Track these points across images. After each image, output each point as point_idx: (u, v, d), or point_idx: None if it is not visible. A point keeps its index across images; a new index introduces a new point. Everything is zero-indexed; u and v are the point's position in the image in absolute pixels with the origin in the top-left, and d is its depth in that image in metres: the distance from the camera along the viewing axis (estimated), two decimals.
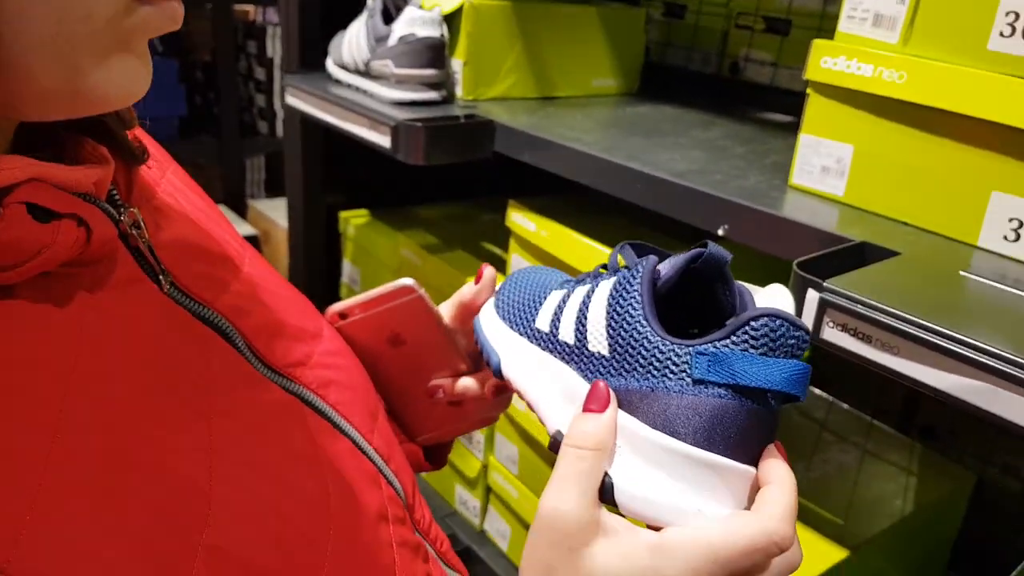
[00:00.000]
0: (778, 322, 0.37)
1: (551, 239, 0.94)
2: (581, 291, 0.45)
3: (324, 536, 0.41)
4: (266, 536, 0.38)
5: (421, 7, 0.96)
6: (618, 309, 0.41)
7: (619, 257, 0.46)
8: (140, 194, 0.45)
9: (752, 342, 0.37)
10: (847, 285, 0.53)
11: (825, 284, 0.54)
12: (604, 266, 0.47)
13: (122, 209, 0.41)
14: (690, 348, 0.38)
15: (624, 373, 0.40)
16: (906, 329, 0.49)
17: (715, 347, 0.37)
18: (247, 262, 0.51)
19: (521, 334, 0.48)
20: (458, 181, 1.39)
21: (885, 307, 0.51)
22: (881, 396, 1.11)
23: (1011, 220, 0.61)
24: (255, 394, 0.43)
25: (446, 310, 0.60)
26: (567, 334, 0.44)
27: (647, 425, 0.38)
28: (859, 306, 0.52)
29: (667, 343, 0.39)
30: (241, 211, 2.75)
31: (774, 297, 0.41)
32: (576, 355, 0.43)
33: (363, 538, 0.44)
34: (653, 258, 0.42)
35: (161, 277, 0.42)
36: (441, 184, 1.38)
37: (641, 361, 0.39)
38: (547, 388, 0.45)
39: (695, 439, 0.37)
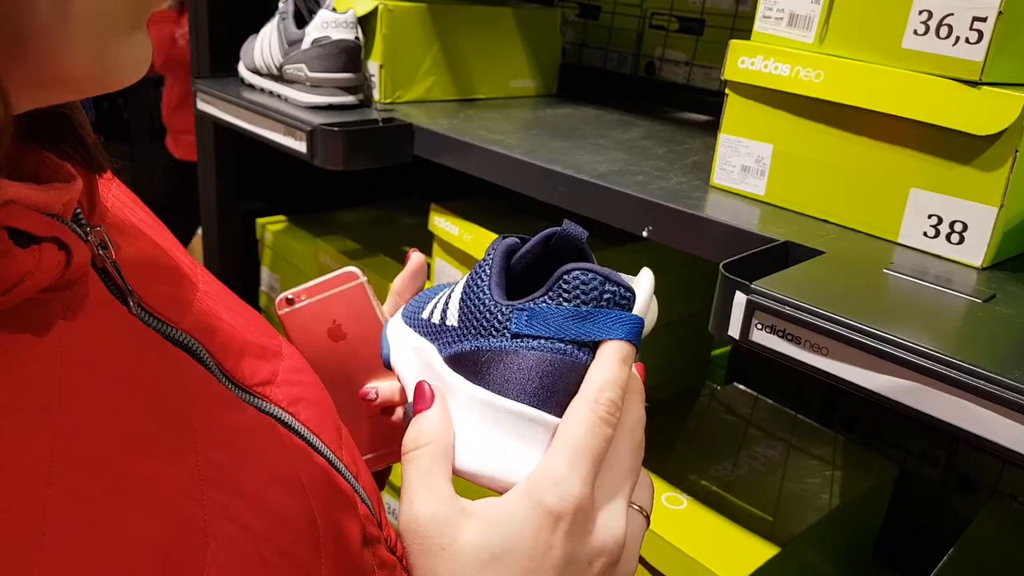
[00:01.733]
0: (589, 275, 0.38)
1: (474, 243, 0.92)
2: (460, 281, 0.46)
3: (317, 564, 0.39)
4: (266, 570, 0.36)
5: (335, 9, 0.93)
6: (472, 285, 0.43)
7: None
8: (100, 210, 0.42)
9: (565, 295, 0.38)
10: (774, 286, 0.53)
11: (752, 286, 0.53)
12: None
13: (88, 229, 0.38)
14: (511, 305, 0.39)
15: (466, 338, 0.41)
16: (834, 329, 0.49)
17: (533, 304, 0.39)
18: (200, 278, 0.48)
19: (410, 326, 0.49)
20: (379, 185, 1.36)
21: (813, 308, 0.50)
22: (803, 390, 1.13)
23: (930, 216, 0.62)
24: (232, 415, 0.41)
25: (385, 308, 0.58)
26: (436, 316, 0.46)
27: (477, 385, 0.40)
28: (787, 307, 0.51)
29: (497, 305, 0.40)
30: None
31: (639, 280, 0.43)
32: (438, 332, 0.45)
33: (352, 563, 0.42)
34: (510, 238, 0.44)
35: (129, 298, 0.39)
36: (361, 188, 1.35)
37: (476, 323, 0.41)
38: (413, 366, 0.46)
39: (517, 393, 0.39)
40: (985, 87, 0.58)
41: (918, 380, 0.47)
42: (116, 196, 0.48)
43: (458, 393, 0.41)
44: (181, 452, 0.36)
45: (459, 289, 0.44)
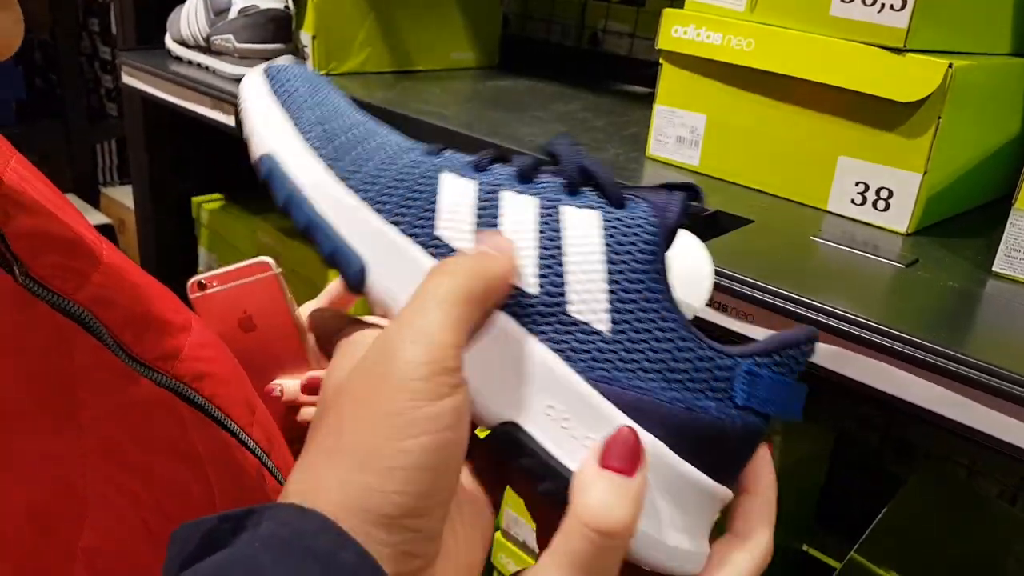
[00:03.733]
0: (811, 347, 0.31)
1: None
2: (525, 204, 0.31)
3: None
4: (144, 533, 0.37)
5: None
6: (628, 274, 0.30)
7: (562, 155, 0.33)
8: None
9: (791, 363, 0.31)
10: None
11: None
12: (544, 159, 0.34)
13: None
14: (736, 361, 0.30)
15: (633, 370, 0.29)
16: (759, 297, 0.49)
17: (758, 366, 0.30)
18: (105, 252, 0.47)
19: (408, 235, 0.31)
20: None
21: (739, 276, 0.50)
22: None
23: (858, 184, 0.63)
24: (125, 389, 0.40)
25: (311, 308, 0.57)
26: (529, 274, 0.30)
27: (675, 454, 0.29)
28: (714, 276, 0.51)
29: (705, 348, 0.30)
30: (93, 200, 2.58)
31: (694, 256, 0.35)
32: (537, 312, 0.30)
33: None
34: (679, 196, 0.32)
35: (15, 267, 0.38)
36: None
37: (668, 362, 0.29)
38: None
39: (717, 472, 0.30)
40: (909, 54, 0.58)
41: (841, 345, 0.47)
42: (15, 170, 0.46)
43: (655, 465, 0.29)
44: (61, 425, 0.36)
45: (586, 254, 0.30)
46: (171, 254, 1.27)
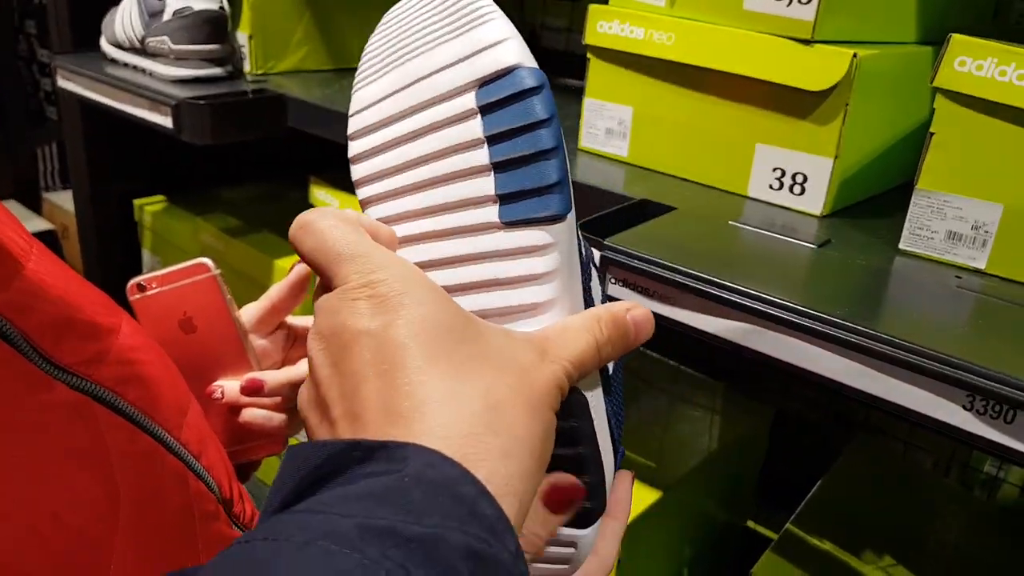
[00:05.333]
0: None
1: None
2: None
3: (110, 538, 0.39)
4: (37, 542, 0.36)
5: None
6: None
7: None
8: None
9: None
10: (625, 242, 0.55)
11: (605, 242, 0.55)
12: None
13: None
14: None
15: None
16: (677, 279, 0.52)
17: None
18: (33, 258, 0.47)
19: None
20: (264, 160, 1.33)
21: (659, 260, 0.53)
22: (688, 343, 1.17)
23: (775, 170, 0.66)
24: (34, 395, 0.41)
25: (253, 310, 0.58)
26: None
27: None
28: (636, 261, 0.54)
29: None
30: (35, 205, 2.53)
31: None
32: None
33: (162, 536, 0.42)
34: None
35: None
36: (245, 164, 1.32)
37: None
38: None
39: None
40: (817, 44, 0.61)
41: (752, 322, 0.50)
42: None
43: None
44: None
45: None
46: (114, 258, 1.26)
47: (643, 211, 0.64)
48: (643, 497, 0.83)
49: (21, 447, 0.39)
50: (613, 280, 0.56)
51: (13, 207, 2.39)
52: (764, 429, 1.02)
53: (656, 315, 0.54)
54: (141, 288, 0.57)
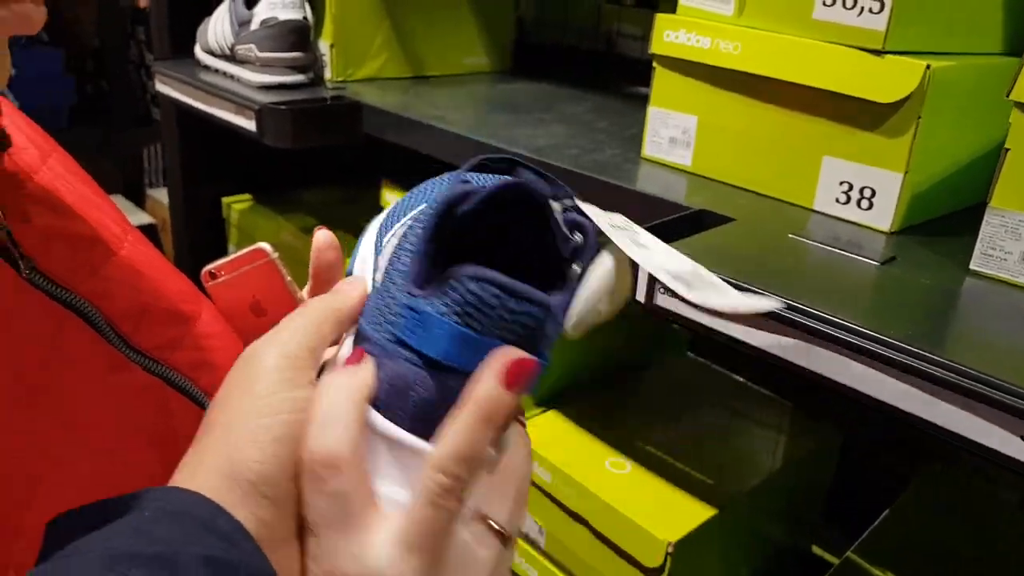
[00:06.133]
0: (485, 288, 0.30)
1: None
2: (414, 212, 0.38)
3: None
4: None
5: None
6: (404, 241, 0.35)
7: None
8: (4, 182, 0.45)
9: (455, 305, 0.30)
10: None
11: None
12: None
13: None
14: (408, 301, 0.31)
15: (369, 313, 0.34)
16: None
17: (426, 303, 0.30)
18: (126, 247, 0.51)
19: (373, 246, 0.40)
20: (343, 163, 1.37)
21: (711, 271, 0.52)
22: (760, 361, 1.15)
23: (842, 183, 0.64)
24: (112, 375, 0.44)
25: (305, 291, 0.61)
26: (382, 253, 0.37)
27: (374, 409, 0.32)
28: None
29: (399, 290, 0.31)
30: (139, 200, 2.67)
31: (593, 269, 0.34)
32: (373, 272, 0.37)
33: None
34: (462, 181, 0.35)
35: (20, 262, 0.42)
36: (327, 167, 1.37)
37: (379, 302, 0.33)
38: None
39: (391, 414, 0.32)
40: (888, 55, 0.59)
41: (799, 337, 0.49)
42: (52, 168, 0.51)
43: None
44: (32, 403, 0.39)
45: (399, 233, 0.36)
46: (203, 252, 1.32)
47: (700, 222, 0.63)
48: (698, 513, 0.82)
49: (95, 422, 0.42)
50: (662, 290, 0.55)
51: (119, 201, 2.53)
52: (832, 453, 0.99)
53: (704, 327, 0.53)
54: (213, 276, 0.60)
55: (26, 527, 0.36)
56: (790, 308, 0.49)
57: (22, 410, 0.38)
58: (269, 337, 0.35)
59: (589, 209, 0.37)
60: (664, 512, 0.81)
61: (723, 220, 0.62)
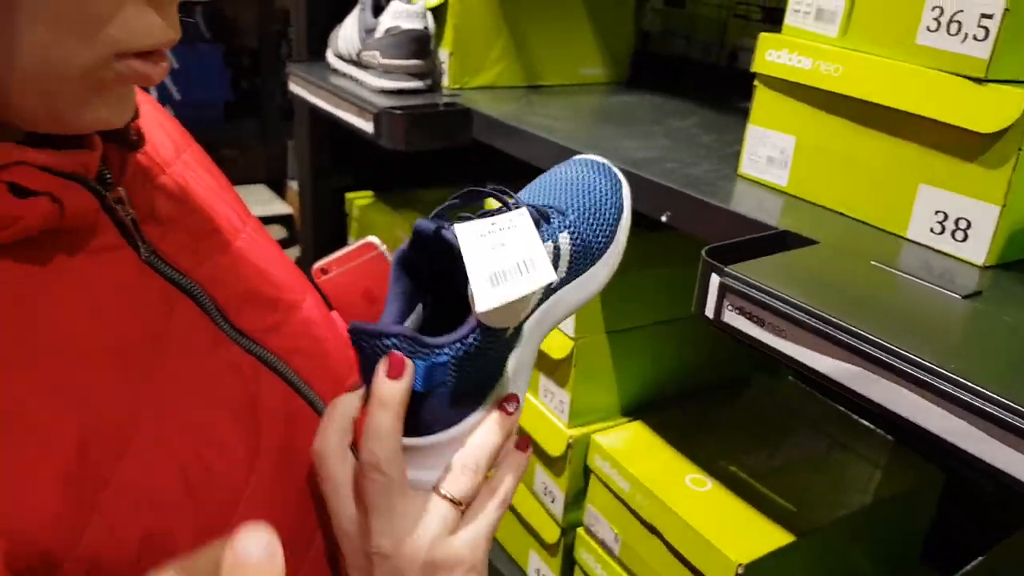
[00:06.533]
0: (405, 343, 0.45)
1: None
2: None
3: (242, 482, 0.47)
4: (178, 474, 0.44)
5: (408, 1, 1.00)
6: None
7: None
8: (139, 175, 0.51)
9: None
10: (747, 271, 0.55)
11: (725, 269, 0.56)
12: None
13: (109, 186, 0.47)
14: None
15: None
16: (790, 312, 0.51)
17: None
18: (242, 237, 0.57)
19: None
20: (461, 165, 1.42)
21: (773, 290, 0.52)
22: None
23: (937, 213, 0.62)
24: (213, 351, 0.49)
25: None
26: None
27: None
28: (752, 290, 0.54)
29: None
30: (281, 191, 2.84)
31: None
32: None
33: (292, 488, 0.49)
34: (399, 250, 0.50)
35: (141, 246, 0.48)
36: (445, 168, 1.42)
37: None
38: None
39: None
40: (990, 84, 0.57)
41: (860, 365, 0.48)
42: (184, 162, 0.57)
43: None
44: (130, 377, 0.44)
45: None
46: (325, 243, 1.40)
47: (783, 242, 0.63)
48: (774, 538, 0.81)
49: (189, 391, 0.46)
50: (730, 308, 0.56)
51: (261, 190, 2.71)
52: (932, 493, 0.95)
53: (768, 347, 0.53)
54: (324, 271, 0.66)
55: (114, 478, 0.41)
56: (843, 330, 0.49)
57: (130, 374, 0.44)
58: None
59: (475, 224, 0.46)
60: (739, 533, 0.81)
61: (808, 243, 0.62)
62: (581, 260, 0.54)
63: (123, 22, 0.39)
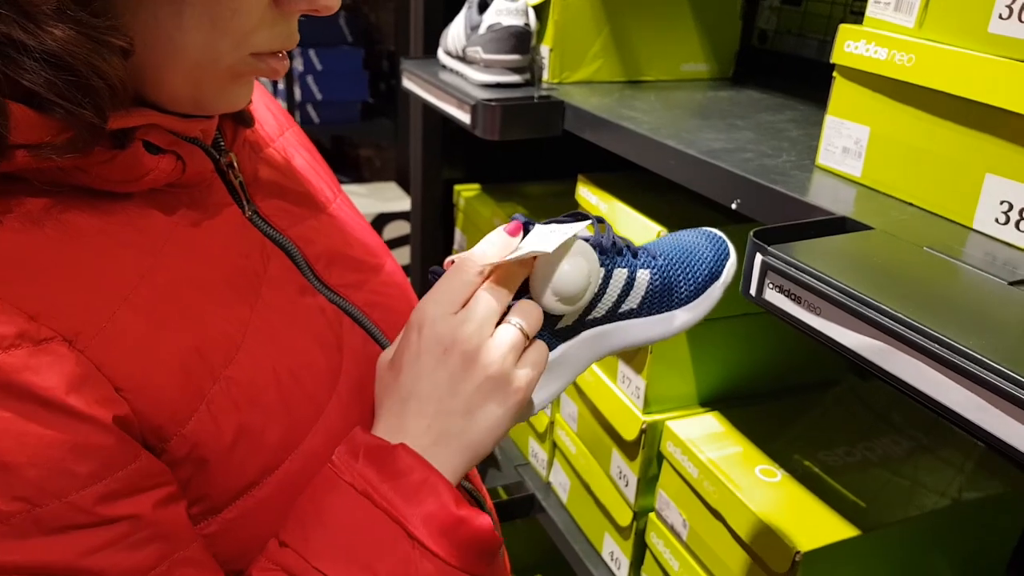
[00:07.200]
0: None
1: (611, 213, 1.00)
2: None
3: (325, 398, 0.55)
4: (274, 382, 0.52)
5: None
6: None
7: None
8: (247, 146, 0.60)
9: None
10: (789, 251, 0.57)
11: (768, 248, 0.58)
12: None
13: (222, 152, 0.56)
14: None
15: None
16: (824, 290, 0.53)
17: None
18: (332, 207, 0.66)
19: None
20: (563, 158, 1.46)
21: (810, 269, 0.54)
22: None
23: (1003, 203, 0.61)
24: (302, 297, 0.57)
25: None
26: None
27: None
28: (791, 268, 0.55)
29: None
30: (408, 188, 2.97)
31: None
32: None
33: (363, 411, 0.56)
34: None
35: (246, 204, 0.57)
36: (550, 160, 1.46)
37: None
38: None
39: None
40: None
41: (887, 342, 0.49)
42: (286, 139, 0.67)
43: None
44: (237, 301, 0.52)
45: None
46: (436, 232, 1.48)
47: (840, 228, 0.64)
48: (837, 530, 0.81)
49: (285, 325, 0.55)
50: (771, 286, 0.58)
51: (391, 188, 2.84)
52: (1021, 504, 0.91)
53: (805, 325, 0.55)
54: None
55: (222, 377, 0.49)
56: (873, 308, 0.50)
57: (236, 300, 0.52)
58: None
59: (546, 223, 0.58)
60: (801, 522, 0.81)
61: (864, 228, 0.63)
62: (658, 300, 0.60)
63: (263, 30, 0.48)
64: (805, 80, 1.24)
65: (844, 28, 0.72)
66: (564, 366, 0.59)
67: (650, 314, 0.60)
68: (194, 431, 0.47)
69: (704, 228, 0.67)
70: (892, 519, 0.83)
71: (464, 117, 1.03)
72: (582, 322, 0.58)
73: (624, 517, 1.03)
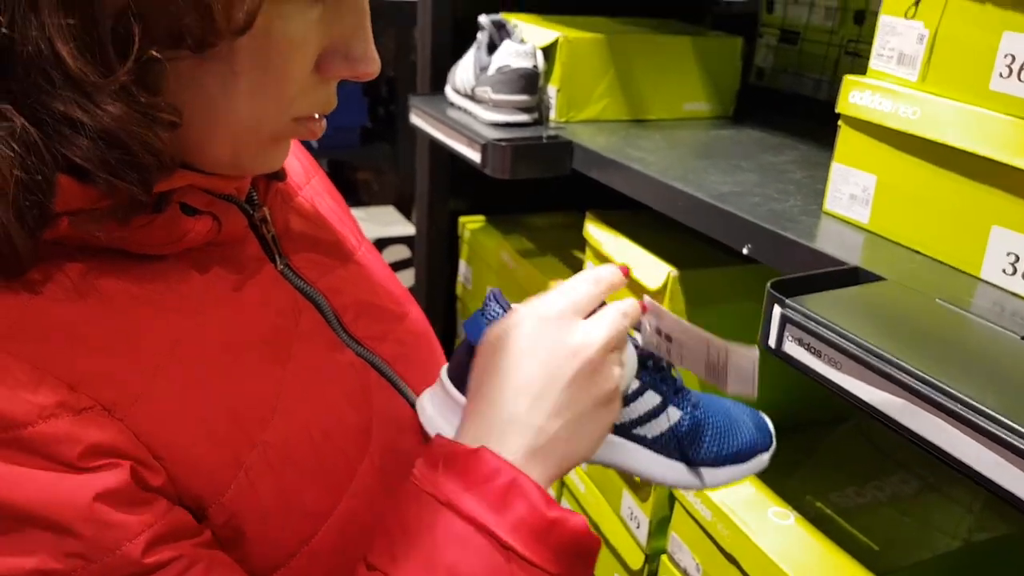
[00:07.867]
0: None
1: (619, 251, 1.01)
2: None
3: (359, 455, 0.55)
4: (308, 442, 0.52)
5: (522, 41, 1.07)
6: None
7: None
8: (279, 197, 0.61)
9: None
10: (808, 303, 0.58)
11: (787, 301, 0.59)
12: None
13: (256, 207, 0.57)
14: None
15: None
16: (844, 345, 0.54)
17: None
18: (359, 255, 0.66)
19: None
20: (568, 193, 1.48)
21: (831, 324, 0.55)
22: None
23: (1009, 254, 0.63)
24: (331, 352, 0.58)
25: None
26: None
27: None
28: (811, 322, 0.57)
29: None
30: (408, 214, 2.98)
31: None
32: None
33: (396, 474, 0.56)
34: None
35: (277, 259, 0.57)
36: (555, 195, 1.48)
37: None
38: None
39: None
40: None
41: (905, 398, 0.50)
42: (312, 187, 0.67)
43: None
44: (270, 361, 0.53)
45: None
46: (440, 263, 1.49)
47: (853, 278, 0.65)
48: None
49: (316, 383, 0.55)
50: (790, 339, 0.59)
51: (389, 211, 2.85)
52: None
53: (825, 379, 0.56)
54: None
55: (259, 441, 0.50)
56: (891, 364, 0.51)
57: (269, 361, 0.53)
58: None
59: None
60: (817, 568, 0.82)
61: (876, 279, 0.64)
62: (671, 444, 0.59)
63: (306, 95, 0.49)
64: (803, 118, 1.25)
65: (849, 80, 0.74)
66: None
67: (658, 452, 0.59)
68: (232, 499, 0.48)
69: (757, 411, 0.66)
70: (905, 563, 0.84)
71: (474, 156, 1.05)
72: None
73: (636, 560, 1.03)
